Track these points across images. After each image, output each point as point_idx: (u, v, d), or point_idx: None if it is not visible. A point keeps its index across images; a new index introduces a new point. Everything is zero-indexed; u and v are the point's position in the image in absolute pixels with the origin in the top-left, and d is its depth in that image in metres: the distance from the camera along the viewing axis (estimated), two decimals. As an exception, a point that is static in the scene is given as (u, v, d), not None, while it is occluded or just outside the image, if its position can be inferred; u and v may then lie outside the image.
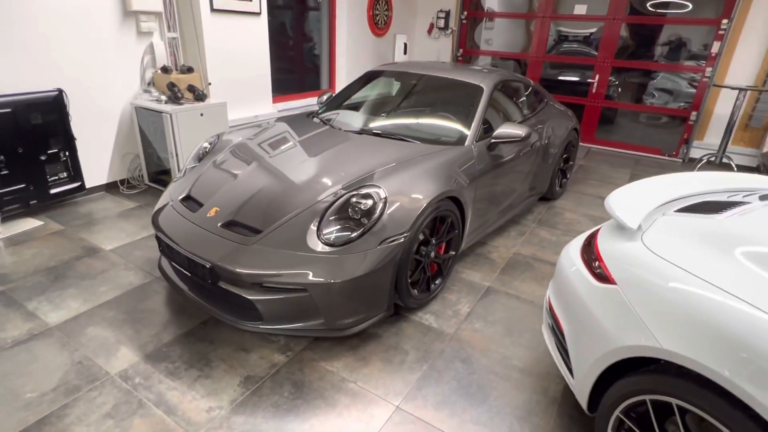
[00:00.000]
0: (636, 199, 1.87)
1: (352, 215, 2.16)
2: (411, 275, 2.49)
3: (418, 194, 2.33)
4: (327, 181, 2.42)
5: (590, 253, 1.78)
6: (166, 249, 2.35)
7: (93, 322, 2.36)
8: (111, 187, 4.13)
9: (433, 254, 2.54)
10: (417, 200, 2.30)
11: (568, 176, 4.60)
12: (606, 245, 1.72)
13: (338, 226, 2.14)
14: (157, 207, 2.59)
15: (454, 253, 2.75)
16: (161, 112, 3.76)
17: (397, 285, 2.32)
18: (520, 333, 2.44)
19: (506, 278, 2.97)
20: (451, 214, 2.59)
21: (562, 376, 2.09)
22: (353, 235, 2.10)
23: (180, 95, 3.92)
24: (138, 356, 2.14)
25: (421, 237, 2.43)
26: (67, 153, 3.62)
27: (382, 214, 2.16)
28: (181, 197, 2.55)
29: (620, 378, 1.50)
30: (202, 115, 3.96)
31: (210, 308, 2.20)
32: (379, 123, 3.26)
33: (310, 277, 2.01)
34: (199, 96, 4.06)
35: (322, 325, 2.13)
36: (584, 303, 1.67)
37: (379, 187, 2.25)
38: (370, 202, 2.19)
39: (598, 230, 1.91)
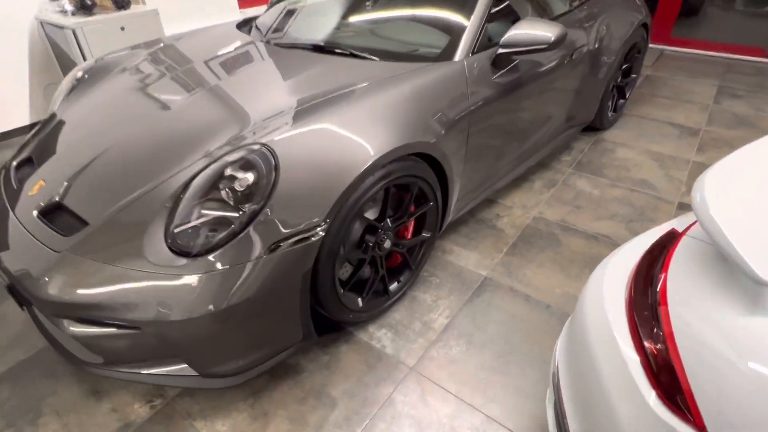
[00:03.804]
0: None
1: (227, 198, 1.26)
2: (349, 278, 1.62)
3: (347, 155, 1.37)
4: (207, 133, 1.49)
5: (648, 317, 0.82)
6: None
7: None
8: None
9: (388, 244, 1.63)
10: (344, 166, 1.35)
11: (627, 95, 3.33)
12: (692, 314, 0.75)
13: (202, 218, 1.26)
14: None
15: (428, 235, 1.82)
16: (63, 27, 2.83)
17: (320, 297, 1.47)
18: (522, 369, 1.57)
19: (515, 262, 2.03)
20: (419, 180, 1.62)
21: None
22: (221, 236, 1.22)
23: (91, 2, 2.94)
24: (-52, 401, 1.49)
25: (356, 225, 1.52)
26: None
27: (270, 194, 1.24)
28: (19, 159, 1.73)
29: None
30: (123, 29, 3.00)
31: (46, 336, 1.47)
32: (325, 30, 2.17)
33: (139, 314, 1.20)
34: (122, 3, 3.07)
35: (188, 370, 1.35)
36: (620, 427, 0.76)
37: (266, 146, 1.30)
38: (250, 176, 1.26)
39: (668, 256, 0.91)
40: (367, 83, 1.60)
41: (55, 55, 3.19)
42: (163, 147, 1.48)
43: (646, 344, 0.79)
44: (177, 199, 1.28)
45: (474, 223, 2.29)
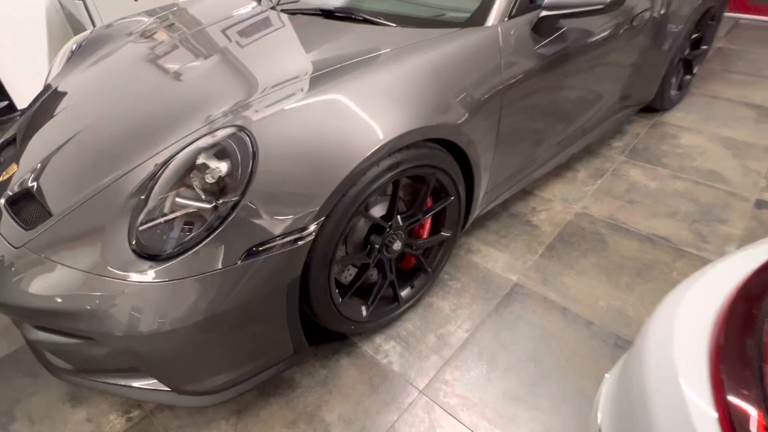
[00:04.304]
0: None
1: (199, 192, 1.06)
2: (351, 285, 1.39)
3: (346, 140, 1.12)
4: (192, 111, 1.28)
5: (746, 375, 0.56)
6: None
7: None
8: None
9: (399, 245, 1.39)
10: (342, 153, 1.10)
11: (695, 71, 2.87)
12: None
13: (170, 216, 1.05)
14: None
15: (448, 234, 1.56)
16: (74, -1, 2.70)
17: (313, 308, 1.26)
18: (554, 402, 1.30)
19: (552, 266, 1.74)
20: (437, 171, 1.35)
21: None
22: (188, 238, 1.02)
23: (103, -29, 2.79)
24: (-74, 397, 1.41)
25: (360, 224, 1.29)
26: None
27: (246, 187, 1.02)
28: (2, 140, 1.60)
29: None
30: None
31: (23, 335, 1.34)
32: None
33: (94, 325, 1.02)
34: (136, -29, 2.90)
35: (162, 385, 1.18)
36: None
37: (244, 129, 1.07)
38: (223, 165, 1.04)
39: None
40: (379, 53, 1.34)
41: (71, 27, 3.09)
42: (147, 123, 1.29)
43: (732, 400, 0.54)
44: (144, 190, 1.08)
45: (506, 217, 2.00)
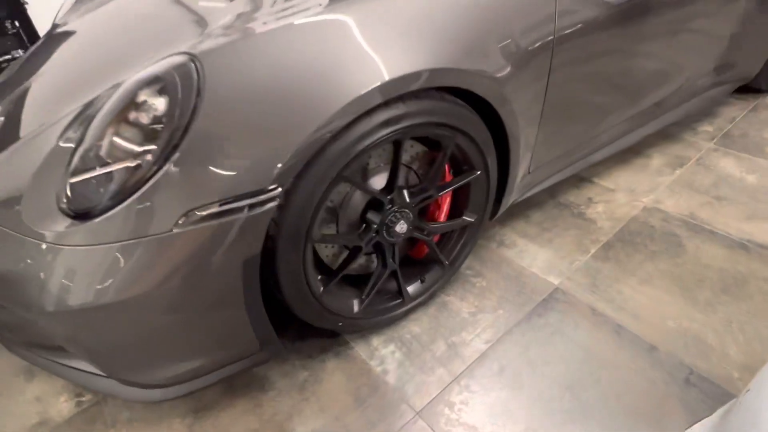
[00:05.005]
0: None
1: (133, 137, 0.83)
2: (338, 270, 1.12)
3: (328, 76, 0.83)
4: (150, 45, 1.06)
5: None
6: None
7: None
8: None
9: (404, 227, 1.10)
10: (318, 94, 0.82)
11: (814, 43, 2.30)
12: None
13: (102, 170, 0.83)
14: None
15: (472, 219, 1.24)
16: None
17: (284, 296, 1.01)
18: (593, 445, 0.97)
19: (606, 270, 1.38)
20: (458, 133, 1.04)
21: None
22: (114, 193, 0.79)
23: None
24: None
25: (356, 197, 1.02)
26: (16, 22, 2.82)
27: (185, 132, 0.77)
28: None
29: None
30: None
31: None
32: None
33: (6, 291, 0.84)
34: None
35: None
36: None
37: (193, 58, 0.82)
38: (162, 102, 0.80)
39: None
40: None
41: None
42: (98, 66, 1.09)
43: None
44: (72, 138, 0.87)
45: (553, 207, 1.64)
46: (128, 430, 1.08)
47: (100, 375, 0.98)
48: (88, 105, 0.91)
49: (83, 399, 1.16)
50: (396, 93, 0.88)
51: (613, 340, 1.18)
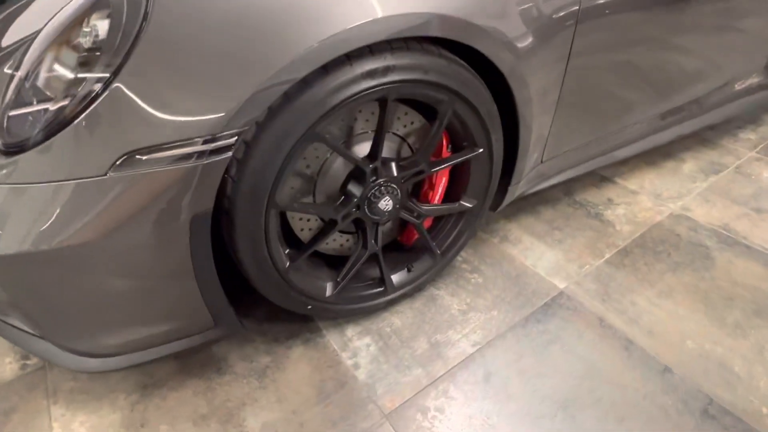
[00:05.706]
0: None
1: (74, 64, 0.72)
2: (308, 244, 1.00)
3: (302, 8, 0.71)
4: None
5: None
6: None
7: None
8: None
9: (389, 204, 0.97)
10: (288, 27, 0.70)
11: None
12: None
13: (37, 104, 0.73)
14: None
15: (470, 205, 1.10)
16: None
17: (243, 266, 0.89)
18: (584, 475, 0.82)
19: (620, 278, 1.22)
20: (458, 99, 0.91)
21: None
22: (43, 127, 0.69)
23: None
24: None
25: (337, 164, 0.90)
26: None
27: (125, 60, 0.66)
28: None
29: None
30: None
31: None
32: None
33: None
34: None
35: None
36: None
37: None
38: (104, 24, 0.69)
39: None
40: None
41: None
42: None
43: None
44: (14, 61, 0.77)
45: (567, 205, 1.49)
46: (67, 402, 0.98)
47: (35, 335, 0.89)
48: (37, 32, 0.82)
49: (29, 362, 1.07)
50: (387, 36, 0.75)
51: (620, 357, 1.02)
